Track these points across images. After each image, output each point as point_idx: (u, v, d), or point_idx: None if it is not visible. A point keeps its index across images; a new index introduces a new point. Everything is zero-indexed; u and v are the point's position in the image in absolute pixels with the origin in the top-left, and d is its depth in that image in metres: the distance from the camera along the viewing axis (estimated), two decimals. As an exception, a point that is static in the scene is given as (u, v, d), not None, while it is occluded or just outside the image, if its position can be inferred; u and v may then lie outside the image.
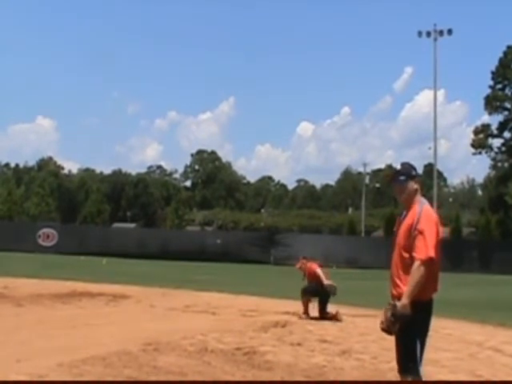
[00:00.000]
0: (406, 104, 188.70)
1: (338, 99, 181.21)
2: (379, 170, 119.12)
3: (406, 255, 4.99)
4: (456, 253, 41.42)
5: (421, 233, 4.93)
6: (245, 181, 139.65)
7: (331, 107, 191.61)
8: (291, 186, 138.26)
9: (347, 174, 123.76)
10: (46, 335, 9.98)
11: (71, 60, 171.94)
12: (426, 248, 4.86)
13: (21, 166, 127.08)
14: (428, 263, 4.85)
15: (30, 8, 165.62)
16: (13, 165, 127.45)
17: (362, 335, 11.12)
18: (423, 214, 5.02)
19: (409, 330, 4.88)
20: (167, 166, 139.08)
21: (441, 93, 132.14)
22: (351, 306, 15.18)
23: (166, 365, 7.93)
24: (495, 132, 70.90)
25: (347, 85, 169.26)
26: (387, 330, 5.02)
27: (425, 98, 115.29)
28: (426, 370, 6.93)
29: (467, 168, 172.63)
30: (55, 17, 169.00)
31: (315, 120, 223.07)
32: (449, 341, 10.70)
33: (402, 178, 5.25)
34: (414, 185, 5.23)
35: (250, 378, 7.45)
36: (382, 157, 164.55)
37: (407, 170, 5.31)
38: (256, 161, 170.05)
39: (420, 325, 4.98)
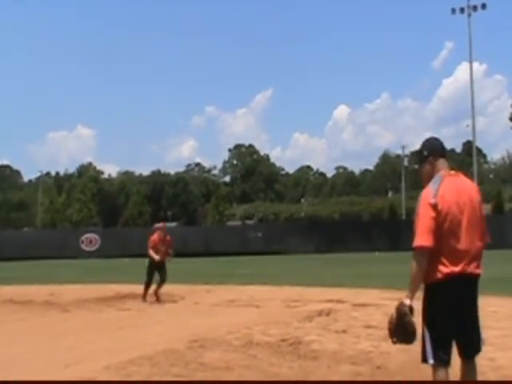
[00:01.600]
0: (444, 81, 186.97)
1: (376, 83, 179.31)
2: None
3: None
4: (499, 229, 40.90)
5: (416, 218, 4.79)
6: (283, 172, 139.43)
7: (370, 91, 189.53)
8: (330, 173, 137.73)
9: (385, 158, 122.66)
10: (92, 339, 10.07)
11: (105, 67, 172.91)
12: (416, 236, 4.69)
13: (61, 173, 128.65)
14: (418, 252, 4.67)
15: (80, 22, 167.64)
16: (53, 173, 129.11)
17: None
18: (421, 197, 4.83)
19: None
20: (205, 163, 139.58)
21: (482, 67, 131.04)
22: (395, 290, 15.04)
23: (213, 361, 7.95)
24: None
25: (384, 68, 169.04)
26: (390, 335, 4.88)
27: (463, 72, 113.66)
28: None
29: (507, 142, 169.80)
30: (95, 29, 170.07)
31: (353, 104, 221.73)
32: (495, 318, 10.53)
33: (416, 165, 5.11)
34: (427, 167, 5.02)
35: (296, 368, 7.44)
36: (419, 138, 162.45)
37: (418, 154, 5.12)
38: (292, 150, 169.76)
39: (428, 309, 4.79)
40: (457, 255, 4.72)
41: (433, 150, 5.03)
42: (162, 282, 15.90)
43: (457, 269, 4.71)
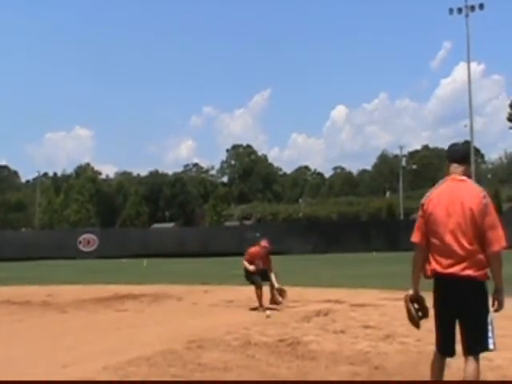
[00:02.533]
0: (442, 81, 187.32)
1: (374, 83, 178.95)
2: (416, 152, 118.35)
3: None
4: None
5: None
6: (281, 172, 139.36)
7: (368, 91, 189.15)
8: (328, 174, 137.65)
9: (383, 158, 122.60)
10: (90, 339, 10.06)
11: (100, 68, 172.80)
12: None
13: (59, 174, 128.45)
14: (415, 246, 5.24)
15: (75, 23, 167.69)
16: (51, 174, 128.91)
17: (404, 318, 10.96)
18: None
19: None
20: (202, 163, 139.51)
21: (480, 67, 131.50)
22: (393, 290, 15.05)
23: (211, 361, 7.94)
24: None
25: (382, 68, 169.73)
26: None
27: (461, 72, 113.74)
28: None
29: (505, 142, 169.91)
30: (93, 30, 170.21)
31: (351, 104, 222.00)
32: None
33: None
34: (446, 170, 5.39)
35: (294, 368, 7.44)
36: (417, 138, 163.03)
37: None
38: (290, 150, 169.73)
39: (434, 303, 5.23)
40: (442, 255, 5.03)
41: (448, 155, 5.45)
42: (272, 286, 14.30)
43: (440, 268, 5.03)
